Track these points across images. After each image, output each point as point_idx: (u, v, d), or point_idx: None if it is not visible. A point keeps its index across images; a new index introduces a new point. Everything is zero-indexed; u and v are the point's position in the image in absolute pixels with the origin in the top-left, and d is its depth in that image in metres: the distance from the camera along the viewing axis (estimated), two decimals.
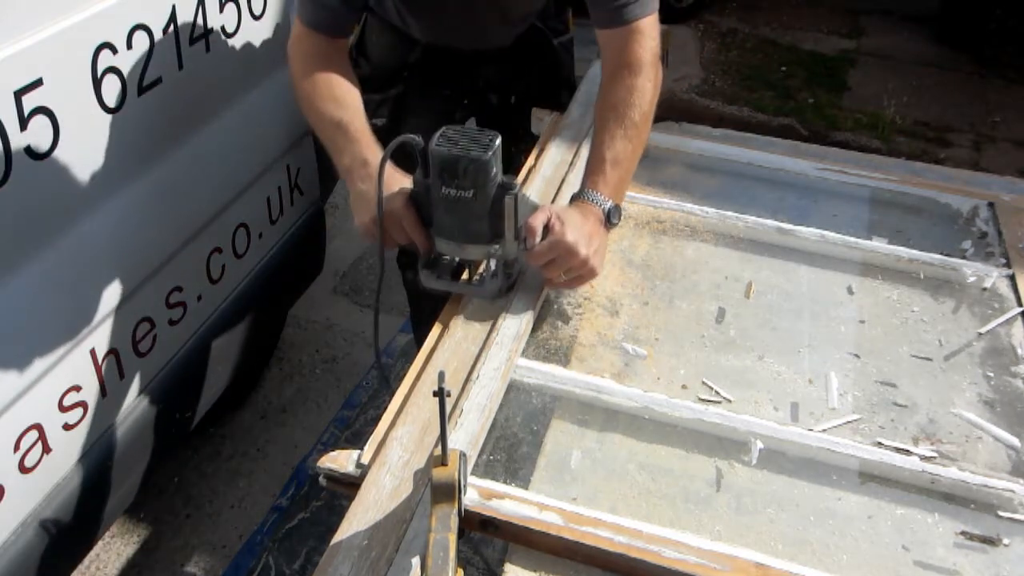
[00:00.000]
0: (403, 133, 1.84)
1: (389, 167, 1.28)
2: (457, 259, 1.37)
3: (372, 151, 1.38)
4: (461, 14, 1.69)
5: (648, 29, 1.44)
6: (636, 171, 1.45)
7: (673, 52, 2.80)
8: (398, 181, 1.33)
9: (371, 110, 1.75)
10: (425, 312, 1.90)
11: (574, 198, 1.39)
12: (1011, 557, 1.05)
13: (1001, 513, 1.10)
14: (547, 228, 1.27)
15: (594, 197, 1.36)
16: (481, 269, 1.37)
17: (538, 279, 1.36)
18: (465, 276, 1.37)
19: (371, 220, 1.31)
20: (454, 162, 1.19)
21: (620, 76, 1.43)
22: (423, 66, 1.84)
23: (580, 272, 1.31)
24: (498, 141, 1.20)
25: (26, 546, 1.52)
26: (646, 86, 1.42)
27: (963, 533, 1.07)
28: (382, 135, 1.83)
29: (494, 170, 1.21)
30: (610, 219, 1.36)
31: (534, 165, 1.71)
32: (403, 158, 1.28)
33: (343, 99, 1.45)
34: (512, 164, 1.64)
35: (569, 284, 1.34)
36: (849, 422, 1.20)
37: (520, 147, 1.84)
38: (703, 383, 1.26)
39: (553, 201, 1.59)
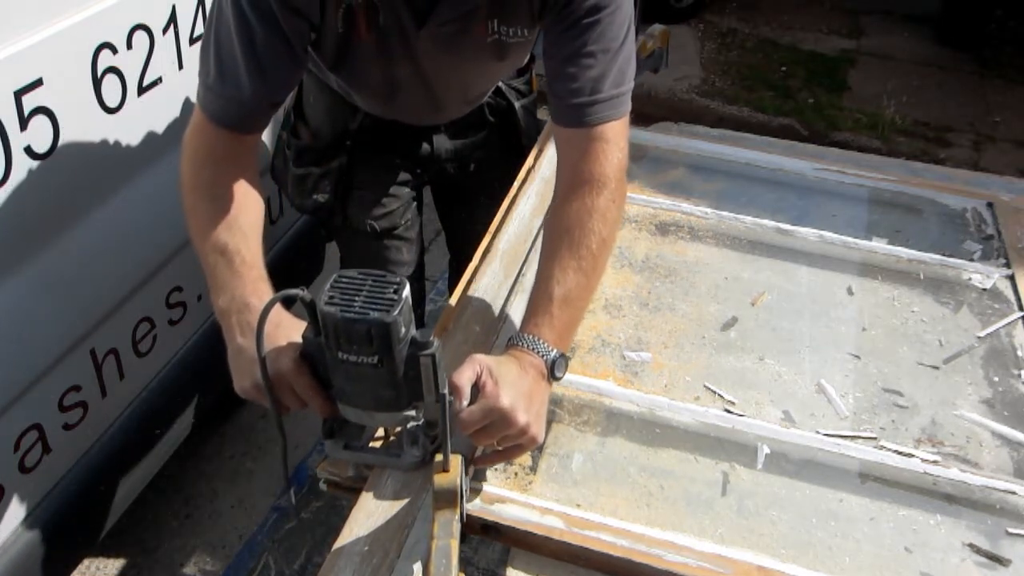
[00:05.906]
0: (348, 210, 1.60)
1: (277, 312, 1.04)
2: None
3: (258, 292, 1.09)
4: (415, 94, 1.46)
5: (615, 137, 1.23)
6: (636, 172, 1.40)
7: (673, 52, 2.81)
8: (286, 331, 1.05)
9: (311, 185, 1.63)
10: None
11: (512, 343, 1.13)
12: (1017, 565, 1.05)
13: (1011, 530, 1.08)
14: (477, 386, 1.03)
15: (536, 345, 1.11)
16: (399, 429, 1.12)
17: (468, 443, 1.10)
18: (381, 432, 1.15)
19: (252, 385, 1.05)
20: (349, 326, 0.92)
21: (578, 192, 1.21)
22: (368, 133, 1.60)
23: (518, 441, 1.05)
24: (405, 291, 0.94)
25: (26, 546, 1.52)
26: (609, 208, 1.20)
27: (970, 546, 1.06)
28: (324, 212, 1.65)
29: (403, 330, 0.94)
30: (554, 372, 1.11)
31: (533, 165, 1.71)
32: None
33: (236, 218, 1.15)
34: (473, 245, 1.48)
35: (503, 456, 1.09)
36: (862, 436, 1.20)
37: (481, 224, 1.58)
38: (705, 387, 1.26)
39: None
